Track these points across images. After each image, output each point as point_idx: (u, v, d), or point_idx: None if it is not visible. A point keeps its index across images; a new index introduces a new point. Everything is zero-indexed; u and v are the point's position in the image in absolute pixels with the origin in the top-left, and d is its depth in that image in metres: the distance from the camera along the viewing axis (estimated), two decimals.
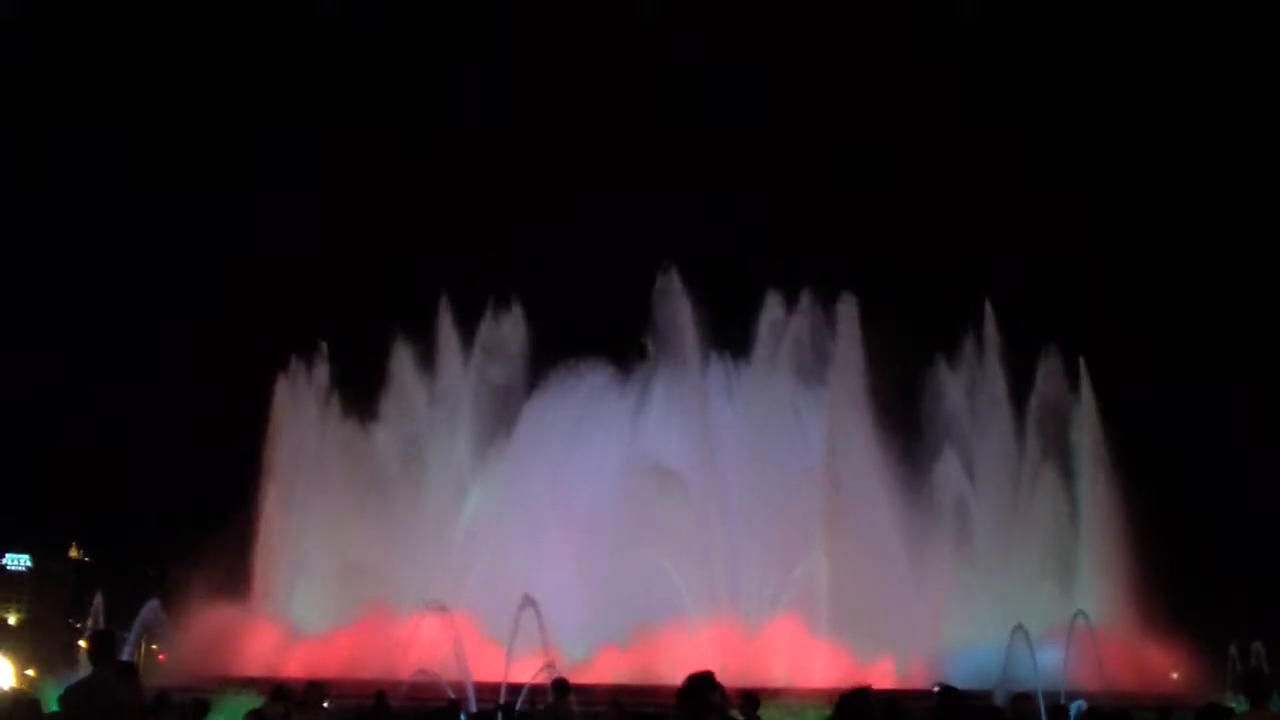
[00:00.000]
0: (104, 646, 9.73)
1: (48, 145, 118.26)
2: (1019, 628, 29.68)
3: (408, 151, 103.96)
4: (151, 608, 34.74)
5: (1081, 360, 42.80)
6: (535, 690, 25.71)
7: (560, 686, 16.40)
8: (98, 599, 40.17)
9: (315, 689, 16.32)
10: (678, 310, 40.87)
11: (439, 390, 42.85)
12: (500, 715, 21.74)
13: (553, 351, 43.82)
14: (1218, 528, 57.07)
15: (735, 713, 15.10)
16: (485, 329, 43.46)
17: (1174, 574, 40.18)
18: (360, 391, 42.25)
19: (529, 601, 29.12)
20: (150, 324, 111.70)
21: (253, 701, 19.79)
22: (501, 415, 42.60)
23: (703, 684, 8.75)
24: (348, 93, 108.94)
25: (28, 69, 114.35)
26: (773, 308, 41.25)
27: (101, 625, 37.16)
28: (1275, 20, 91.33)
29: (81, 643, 38.20)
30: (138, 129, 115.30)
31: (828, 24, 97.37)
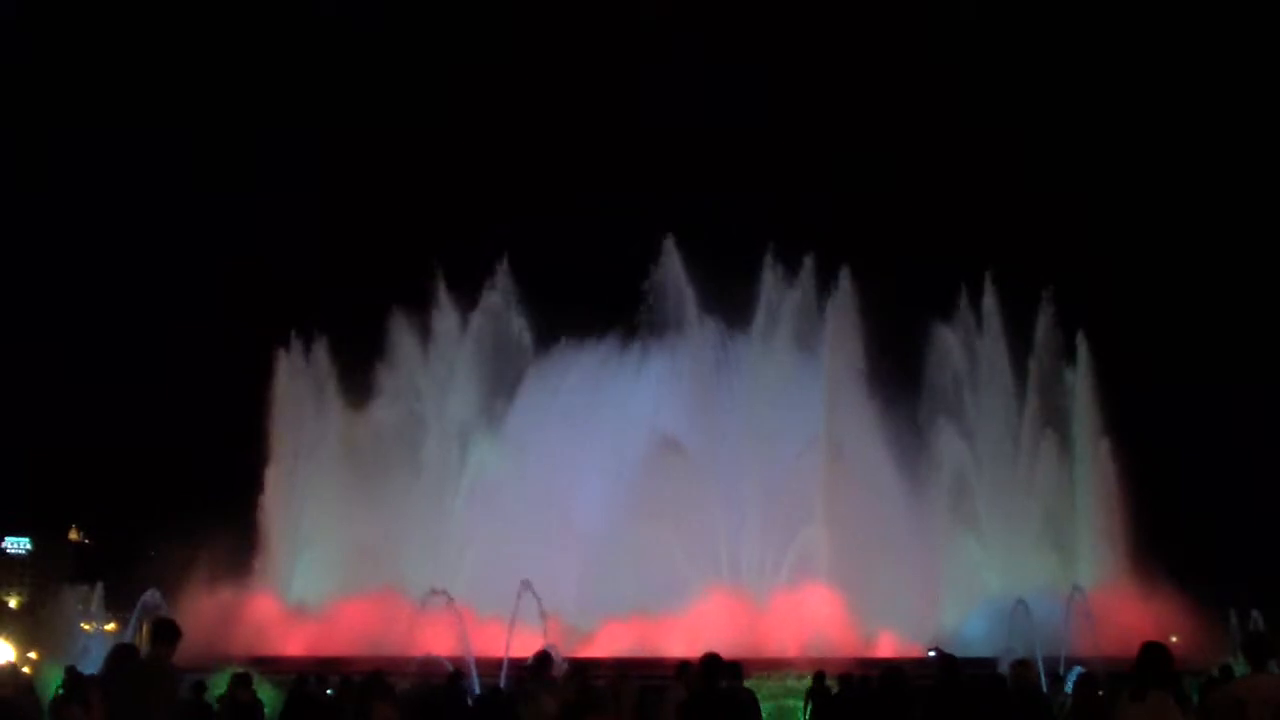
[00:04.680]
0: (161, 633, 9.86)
1: (47, 145, 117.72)
2: (1020, 602, 29.66)
3: (408, 151, 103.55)
4: (152, 595, 34.50)
5: (1080, 329, 42.82)
6: None
7: (541, 660, 16.04)
8: (97, 587, 40.02)
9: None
10: (677, 278, 40.72)
11: (436, 365, 42.80)
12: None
13: (551, 325, 43.79)
14: (1217, 496, 57.22)
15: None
16: (483, 305, 43.38)
17: (1173, 542, 40.31)
18: (360, 369, 42.26)
19: (526, 587, 28.88)
20: (150, 321, 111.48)
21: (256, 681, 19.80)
22: (500, 389, 42.54)
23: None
24: (348, 93, 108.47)
25: (28, 69, 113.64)
26: (772, 277, 41.08)
27: (99, 607, 37.42)
28: (1275, 20, 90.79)
29: (84, 625, 38.22)
30: (136, 129, 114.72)
31: (828, 24, 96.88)
